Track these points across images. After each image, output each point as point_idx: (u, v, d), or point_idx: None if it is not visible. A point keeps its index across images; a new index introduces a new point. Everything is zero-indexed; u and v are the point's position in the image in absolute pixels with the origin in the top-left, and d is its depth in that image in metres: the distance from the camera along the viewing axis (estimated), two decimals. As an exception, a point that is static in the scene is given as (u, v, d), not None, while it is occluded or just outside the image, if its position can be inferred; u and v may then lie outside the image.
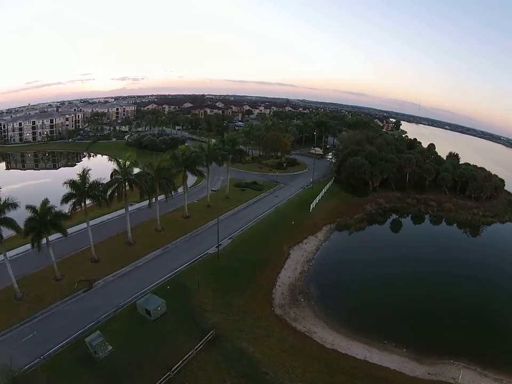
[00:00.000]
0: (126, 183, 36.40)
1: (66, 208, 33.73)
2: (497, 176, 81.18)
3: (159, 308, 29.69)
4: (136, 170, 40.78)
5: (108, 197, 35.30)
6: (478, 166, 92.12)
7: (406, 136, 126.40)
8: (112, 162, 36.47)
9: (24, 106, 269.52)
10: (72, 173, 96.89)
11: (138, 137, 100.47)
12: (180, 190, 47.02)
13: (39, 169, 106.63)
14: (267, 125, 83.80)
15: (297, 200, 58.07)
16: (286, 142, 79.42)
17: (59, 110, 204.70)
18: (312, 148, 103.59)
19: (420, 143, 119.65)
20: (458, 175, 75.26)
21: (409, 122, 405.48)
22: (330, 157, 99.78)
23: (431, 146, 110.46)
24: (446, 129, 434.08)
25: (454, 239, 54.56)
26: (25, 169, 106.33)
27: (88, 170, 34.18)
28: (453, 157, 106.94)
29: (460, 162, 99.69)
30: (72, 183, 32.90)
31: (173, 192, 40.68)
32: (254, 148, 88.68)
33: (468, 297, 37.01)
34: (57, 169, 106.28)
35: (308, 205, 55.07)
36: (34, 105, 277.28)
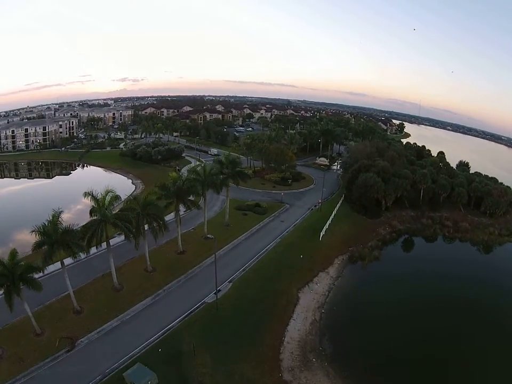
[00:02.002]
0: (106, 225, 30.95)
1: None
2: (510, 188, 76.89)
3: (149, 383, 24.79)
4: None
5: (85, 243, 29.99)
6: (490, 176, 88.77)
7: (415, 143, 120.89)
8: (89, 199, 31.02)
9: (23, 108, 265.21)
10: (66, 182, 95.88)
11: (133, 148, 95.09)
12: (172, 216, 41.55)
13: (33, 178, 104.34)
14: (270, 137, 77.83)
15: (305, 226, 52.53)
16: (292, 156, 73.85)
17: (56, 114, 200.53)
18: (317, 158, 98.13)
19: (429, 151, 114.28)
20: (473, 189, 70.96)
21: (411, 123, 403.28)
22: (337, 167, 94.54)
23: (442, 156, 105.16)
24: (448, 130, 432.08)
25: (481, 269, 48.93)
26: (19, 178, 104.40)
27: (60, 212, 28.95)
28: (464, 166, 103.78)
29: (471, 171, 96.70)
30: (41, 231, 27.65)
31: (163, 230, 35.10)
32: (256, 159, 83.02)
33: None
34: (51, 178, 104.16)
35: (317, 232, 49.69)
36: (33, 107, 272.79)
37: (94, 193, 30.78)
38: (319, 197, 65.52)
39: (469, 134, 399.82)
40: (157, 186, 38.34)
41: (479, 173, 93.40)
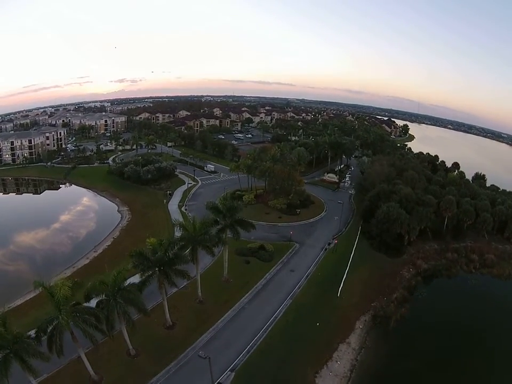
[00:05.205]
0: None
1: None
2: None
3: None
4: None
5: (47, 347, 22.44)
6: (508, 191, 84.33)
7: (428, 153, 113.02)
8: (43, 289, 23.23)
9: (19, 112, 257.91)
10: (56, 196, 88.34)
11: (120, 166, 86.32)
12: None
13: (21, 193, 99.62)
14: (274, 157, 69.45)
15: (319, 277, 44.28)
16: (300, 180, 65.59)
17: (50, 120, 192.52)
18: (325, 174, 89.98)
19: (444, 162, 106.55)
20: (497, 213, 64.50)
21: (411, 122, 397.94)
22: (347, 183, 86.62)
23: (461, 172, 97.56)
24: (449, 128, 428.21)
25: None
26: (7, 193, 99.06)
27: (8, 307, 21.30)
28: (480, 178, 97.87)
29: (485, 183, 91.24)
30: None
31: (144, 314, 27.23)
32: (259, 178, 74.00)
33: None
34: (39, 194, 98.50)
35: (333, 285, 41.81)
36: (29, 111, 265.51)
37: (45, 284, 22.85)
38: (332, 229, 57.93)
39: (470, 133, 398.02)
40: (131, 254, 30.11)
41: (496, 186, 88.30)
